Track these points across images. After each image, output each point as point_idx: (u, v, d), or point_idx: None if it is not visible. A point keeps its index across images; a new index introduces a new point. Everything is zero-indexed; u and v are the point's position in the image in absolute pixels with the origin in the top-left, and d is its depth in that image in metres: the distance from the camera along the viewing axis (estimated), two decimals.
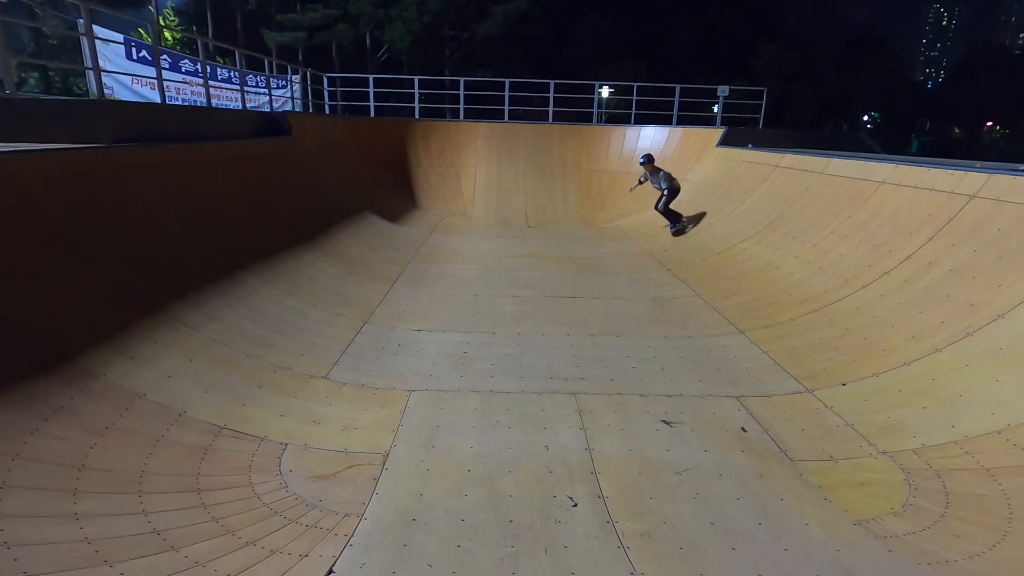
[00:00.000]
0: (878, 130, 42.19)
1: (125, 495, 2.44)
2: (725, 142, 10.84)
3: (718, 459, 3.14)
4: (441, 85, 24.39)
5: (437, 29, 26.93)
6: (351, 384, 3.93)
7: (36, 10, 21.30)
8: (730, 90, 13.41)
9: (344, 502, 2.70)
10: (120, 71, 9.60)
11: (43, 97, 11.98)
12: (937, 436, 3.11)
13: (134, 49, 10.10)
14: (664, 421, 3.55)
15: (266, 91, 11.41)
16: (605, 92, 21.01)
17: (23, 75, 23.40)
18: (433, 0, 25.26)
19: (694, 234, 8.42)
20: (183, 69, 10.86)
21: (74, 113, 5.07)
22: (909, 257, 4.65)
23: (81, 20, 6.15)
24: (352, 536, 2.45)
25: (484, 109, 14.92)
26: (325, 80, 13.83)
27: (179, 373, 3.41)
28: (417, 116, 14.05)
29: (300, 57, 25.56)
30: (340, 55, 27.23)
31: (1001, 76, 40.96)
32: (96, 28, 7.66)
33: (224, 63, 17.52)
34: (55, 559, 2.01)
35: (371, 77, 13.78)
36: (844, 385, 3.83)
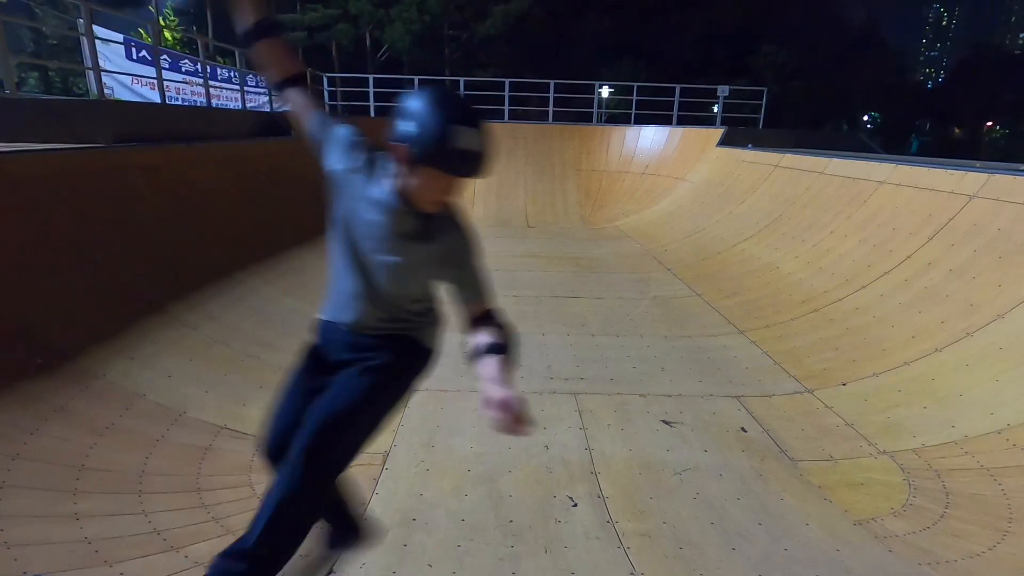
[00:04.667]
0: (878, 130, 42.15)
1: (125, 495, 2.44)
2: (725, 142, 10.84)
3: (718, 459, 3.14)
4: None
5: (437, 29, 26.91)
6: None
7: (36, 10, 21.30)
8: (730, 90, 13.42)
9: None
10: (120, 71, 9.60)
11: (43, 97, 11.97)
12: (937, 436, 3.11)
13: (134, 49, 10.10)
14: (664, 421, 3.55)
15: (266, 91, 11.41)
16: (605, 92, 20.98)
17: (23, 75, 23.41)
18: (433, 0, 25.24)
19: (694, 234, 8.41)
20: (183, 69, 10.85)
21: (74, 113, 5.07)
22: (909, 257, 4.65)
23: (81, 20, 6.16)
24: None
25: (484, 109, 14.84)
26: (325, 80, 13.83)
27: (179, 373, 3.41)
28: None
29: (300, 57, 25.52)
30: (340, 55, 27.21)
31: (1001, 76, 40.95)
32: (96, 28, 7.66)
33: (224, 63, 17.49)
34: (55, 559, 2.01)
35: (371, 77, 13.78)
36: (844, 385, 3.83)
